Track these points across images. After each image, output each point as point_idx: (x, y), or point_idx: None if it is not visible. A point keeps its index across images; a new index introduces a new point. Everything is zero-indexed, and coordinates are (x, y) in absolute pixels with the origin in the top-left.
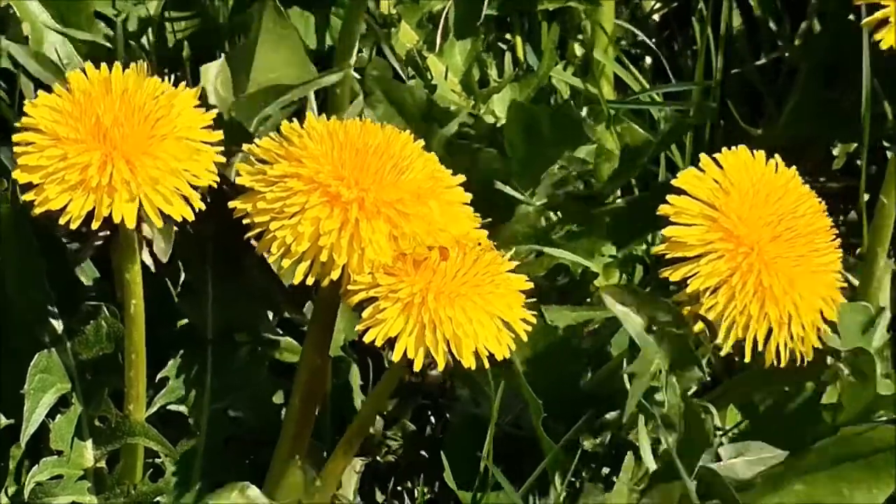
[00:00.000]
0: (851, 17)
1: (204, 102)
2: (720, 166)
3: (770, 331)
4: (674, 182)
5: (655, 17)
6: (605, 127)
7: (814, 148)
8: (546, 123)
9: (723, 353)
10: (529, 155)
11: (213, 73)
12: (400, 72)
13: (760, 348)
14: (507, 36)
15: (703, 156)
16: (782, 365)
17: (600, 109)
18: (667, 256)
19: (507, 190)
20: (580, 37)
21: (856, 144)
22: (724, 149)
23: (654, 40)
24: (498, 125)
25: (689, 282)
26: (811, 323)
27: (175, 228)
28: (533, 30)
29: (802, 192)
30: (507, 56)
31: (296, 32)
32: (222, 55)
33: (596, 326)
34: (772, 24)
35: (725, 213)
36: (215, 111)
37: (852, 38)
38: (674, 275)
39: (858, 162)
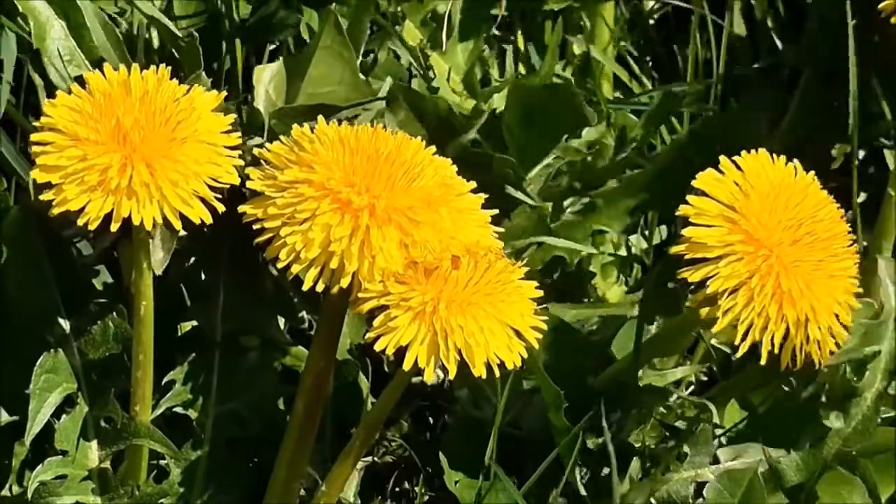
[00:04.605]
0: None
1: (250, 103)
2: (740, 169)
3: (787, 333)
4: (693, 183)
5: (655, 16)
6: (604, 127)
7: (814, 149)
8: (546, 103)
9: (737, 356)
10: (528, 139)
11: (268, 75)
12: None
13: (777, 351)
14: (503, 33)
15: (722, 158)
16: (798, 367)
17: (600, 109)
18: (686, 257)
19: (520, 195)
20: (580, 36)
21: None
22: (743, 152)
23: (653, 40)
24: (496, 112)
25: (708, 283)
26: (827, 326)
27: (174, 242)
28: (534, 29)
29: (821, 197)
30: (509, 55)
31: (352, 51)
32: (280, 59)
33: (594, 327)
34: (772, 26)
35: (745, 215)
36: (233, 116)
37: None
38: (693, 275)
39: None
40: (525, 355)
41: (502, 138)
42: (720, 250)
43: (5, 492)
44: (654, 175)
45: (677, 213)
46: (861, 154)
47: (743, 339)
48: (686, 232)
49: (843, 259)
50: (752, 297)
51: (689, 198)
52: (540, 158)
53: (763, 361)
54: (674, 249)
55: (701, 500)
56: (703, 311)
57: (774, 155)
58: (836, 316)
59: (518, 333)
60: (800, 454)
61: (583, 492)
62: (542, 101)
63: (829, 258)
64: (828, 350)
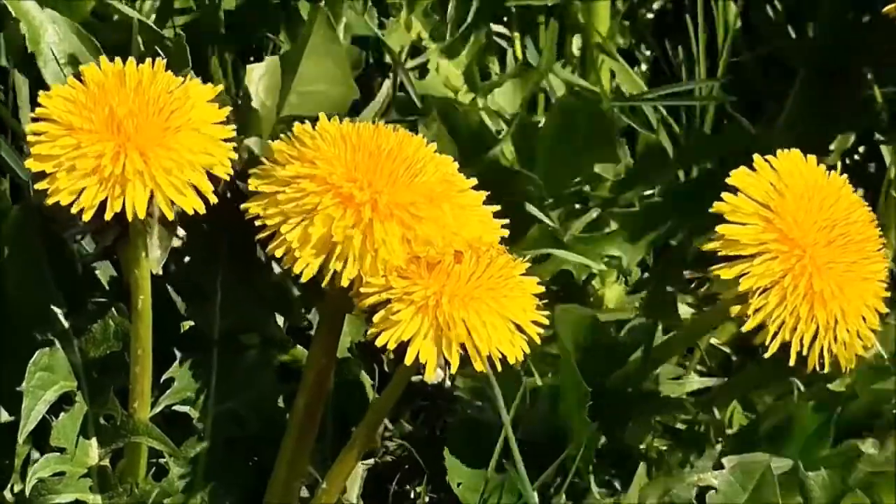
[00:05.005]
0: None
1: (246, 102)
2: (773, 168)
3: (815, 334)
4: (728, 180)
5: (651, 14)
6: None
7: (812, 146)
8: (584, 122)
9: (767, 355)
10: (559, 157)
11: (258, 74)
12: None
13: (805, 352)
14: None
15: (756, 156)
16: (825, 370)
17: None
18: (719, 254)
19: (539, 215)
20: (578, 35)
21: (852, 142)
22: (778, 151)
23: (650, 39)
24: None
25: (741, 280)
26: (855, 329)
27: (171, 240)
28: (532, 26)
29: (853, 199)
30: (510, 51)
31: (343, 48)
32: (271, 57)
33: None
34: (770, 21)
35: (781, 214)
36: (229, 108)
37: (851, 37)
38: (728, 272)
39: (856, 157)
40: (527, 350)
41: (532, 153)
42: (754, 248)
43: (6, 492)
44: (675, 203)
45: (712, 210)
46: (860, 150)
47: (773, 339)
48: (720, 229)
49: (874, 262)
50: (785, 296)
51: (723, 195)
52: (568, 181)
53: (792, 362)
54: (707, 246)
55: (713, 492)
56: (735, 309)
57: (808, 156)
58: (864, 318)
59: (520, 328)
60: (827, 472)
61: (597, 496)
62: (581, 124)
63: (861, 260)
64: (853, 353)
